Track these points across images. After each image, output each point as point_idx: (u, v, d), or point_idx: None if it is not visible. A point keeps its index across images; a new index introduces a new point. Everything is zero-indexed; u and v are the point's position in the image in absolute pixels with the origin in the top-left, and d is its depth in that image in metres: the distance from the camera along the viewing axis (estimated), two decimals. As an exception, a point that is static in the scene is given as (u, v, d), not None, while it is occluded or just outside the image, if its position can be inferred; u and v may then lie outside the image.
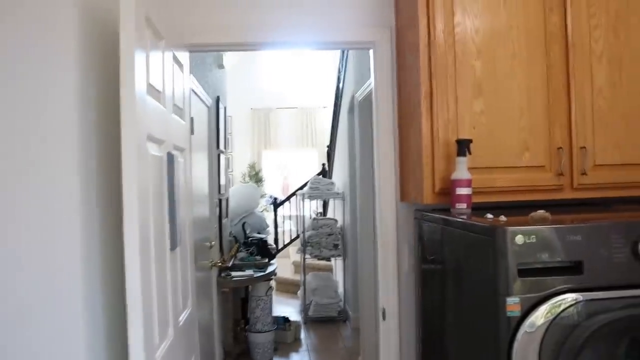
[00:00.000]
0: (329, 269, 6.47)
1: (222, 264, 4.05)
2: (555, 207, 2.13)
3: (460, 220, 1.70)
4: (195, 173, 2.93)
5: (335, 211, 6.19)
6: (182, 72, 2.13)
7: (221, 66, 4.86)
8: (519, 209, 1.85)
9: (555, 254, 1.42)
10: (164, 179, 1.71)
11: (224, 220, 4.47)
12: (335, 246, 5.65)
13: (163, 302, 1.64)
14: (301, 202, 6.43)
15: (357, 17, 2.33)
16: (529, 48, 1.99)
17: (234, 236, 5.02)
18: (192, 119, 2.48)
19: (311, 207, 6.96)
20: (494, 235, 1.42)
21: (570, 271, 1.42)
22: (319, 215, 6.98)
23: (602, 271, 1.44)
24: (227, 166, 5.61)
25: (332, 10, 2.32)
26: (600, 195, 2.04)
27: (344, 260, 5.70)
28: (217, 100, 4.36)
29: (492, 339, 1.45)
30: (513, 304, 1.39)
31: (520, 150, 1.97)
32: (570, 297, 1.40)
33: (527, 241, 1.39)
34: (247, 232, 5.07)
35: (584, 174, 2.00)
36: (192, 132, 2.52)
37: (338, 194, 5.80)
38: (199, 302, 2.76)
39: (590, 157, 2.01)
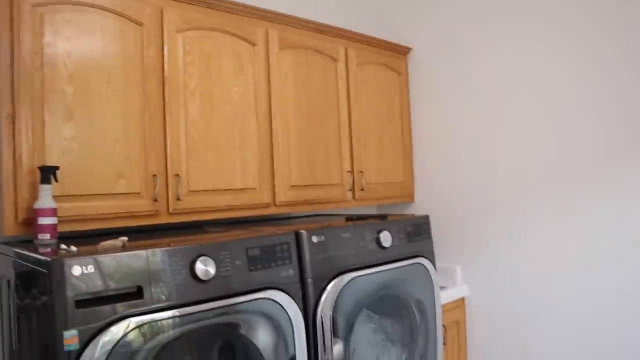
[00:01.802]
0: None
1: None
2: (154, 231, 2.23)
3: (23, 253, 1.60)
4: None
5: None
6: None
7: None
8: (117, 235, 1.85)
9: (115, 282, 1.45)
10: None
11: None
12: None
13: None
14: None
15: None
16: (126, 77, 2.04)
17: None
18: None
19: None
20: (50, 268, 1.37)
21: (131, 297, 1.48)
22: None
23: (163, 293, 1.54)
24: None
25: None
26: (195, 218, 2.22)
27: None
28: None
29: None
30: (70, 337, 1.36)
31: (115, 177, 1.99)
32: (128, 322, 1.44)
33: (85, 272, 1.39)
34: None
35: (178, 199, 2.14)
36: None
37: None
38: None
39: (184, 183, 2.16)
